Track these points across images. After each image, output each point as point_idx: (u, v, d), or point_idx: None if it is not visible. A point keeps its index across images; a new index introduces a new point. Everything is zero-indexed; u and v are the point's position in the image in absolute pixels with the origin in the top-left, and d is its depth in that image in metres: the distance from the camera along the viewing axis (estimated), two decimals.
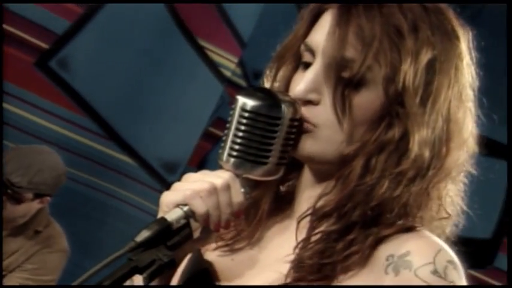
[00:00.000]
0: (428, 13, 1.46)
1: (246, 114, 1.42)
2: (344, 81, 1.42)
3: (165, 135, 5.63)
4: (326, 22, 1.46)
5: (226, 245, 1.55)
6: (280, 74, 1.53)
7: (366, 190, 1.41)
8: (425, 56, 1.42)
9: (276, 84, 1.53)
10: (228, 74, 5.77)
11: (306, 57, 1.47)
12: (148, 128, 5.60)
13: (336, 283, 1.39)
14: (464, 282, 1.40)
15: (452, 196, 1.48)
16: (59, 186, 3.99)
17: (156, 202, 1.45)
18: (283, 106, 1.43)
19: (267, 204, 1.54)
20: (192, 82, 5.71)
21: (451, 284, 1.37)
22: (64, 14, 5.30)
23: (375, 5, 1.43)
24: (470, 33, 1.51)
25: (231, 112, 1.44)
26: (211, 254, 1.56)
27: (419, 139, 1.41)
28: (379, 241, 1.40)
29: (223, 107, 5.57)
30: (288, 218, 1.53)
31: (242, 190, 1.44)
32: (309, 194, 1.50)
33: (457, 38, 1.48)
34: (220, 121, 5.39)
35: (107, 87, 5.47)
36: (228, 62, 5.78)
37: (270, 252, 1.52)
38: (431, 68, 1.43)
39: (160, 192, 1.46)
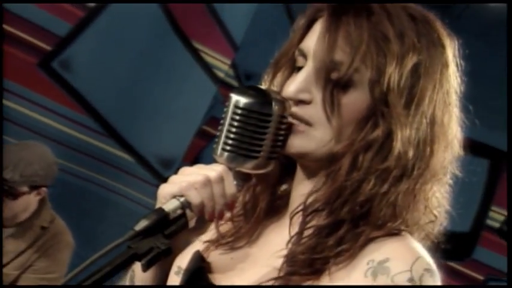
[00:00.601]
0: (415, 22, 1.47)
1: (239, 111, 1.43)
2: (333, 82, 1.43)
3: (162, 133, 5.63)
4: (318, 28, 1.47)
5: (227, 243, 1.55)
6: (277, 79, 1.53)
7: (353, 186, 1.42)
8: (411, 60, 1.43)
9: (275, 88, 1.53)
10: (221, 75, 5.77)
11: (300, 61, 1.48)
12: (146, 126, 5.60)
13: (327, 277, 1.40)
14: None
15: (438, 198, 1.48)
16: (53, 176, 3.95)
17: (153, 196, 1.46)
18: (273, 103, 1.44)
19: (264, 202, 1.55)
20: (187, 83, 5.71)
21: None
22: (66, 17, 5.29)
23: (364, 14, 1.44)
24: (456, 42, 1.51)
25: (225, 109, 1.45)
26: (213, 252, 1.56)
27: (403, 138, 1.41)
28: (368, 242, 1.41)
29: (216, 107, 5.57)
30: (283, 216, 1.54)
31: (235, 182, 1.45)
32: (301, 191, 1.50)
33: (443, 46, 1.49)
34: (214, 120, 5.39)
35: (106, 87, 5.46)
36: (221, 63, 5.78)
37: (265, 248, 1.53)
38: (416, 72, 1.44)
39: (157, 187, 1.47)
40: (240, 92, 1.45)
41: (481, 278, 5.65)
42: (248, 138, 1.43)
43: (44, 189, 3.90)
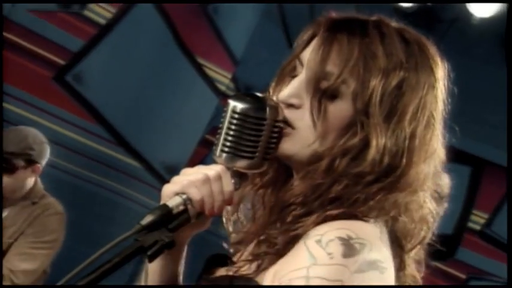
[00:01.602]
0: (407, 44, 1.48)
1: (236, 116, 1.45)
2: (322, 91, 1.45)
3: (167, 141, 5.63)
4: (316, 41, 1.50)
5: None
6: (280, 86, 1.54)
7: (326, 184, 1.43)
8: (396, 77, 1.44)
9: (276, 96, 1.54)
10: (222, 88, 5.77)
11: (298, 70, 1.51)
12: (153, 135, 5.60)
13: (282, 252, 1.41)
14: (349, 262, 1.33)
15: (411, 209, 1.46)
16: (46, 155, 3.94)
17: (158, 200, 1.47)
18: (267, 109, 1.46)
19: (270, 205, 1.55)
20: (190, 95, 5.71)
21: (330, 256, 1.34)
22: (79, 34, 5.30)
23: (358, 32, 1.47)
24: (447, 65, 1.52)
25: (223, 114, 1.47)
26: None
27: (378, 147, 1.42)
28: (324, 220, 1.40)
29: (218, 117, 5.55)
30: None
31: (232, 181, 1.47)
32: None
33: (432, 67, 1.49)
34: (216, 130, 5.37)
35: (116, 99, 5.46)
36: (222, 77, 5.79)
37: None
38: (401, 89, 1.45)
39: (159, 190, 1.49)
40: (237, 98, 1.47)
41: (463, 276, 5.65)
42: (244, 140, 1.45)
43: (39, 166, 3.89)
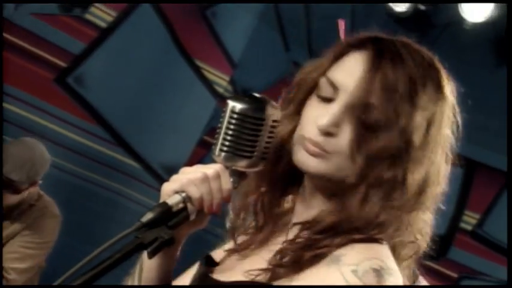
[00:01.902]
0: (431, 69, 1.47)
1: (235, 116, 1.45)
2: (363, 123, 1.42)
3: (166, 143, 5.63)
4: (353, 64, 1.45)
5: (240, 250, 1.56)
6: (296, 97, 1.51)
7: (357, 213, 1.42)
8: (431, 111, 1.44)
9: (292, 106, 1.51)
10: (220, 90, 5.77)
11: (326, 91, 1.45)
12: (152, 136, 5.60)
13: (307, 271, 1.40)
14: None
15: (415, 224, 1.47)
16: (47, 169, 3.96)
17: (157, 200, 1.47)
18: (266, 109, 1.47)
19: (270, 211, 1.56)
20: (189, 97, 5.71)
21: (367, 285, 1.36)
22: (81, 37, 5.30)
23: (398, 62, 1.43)
24: (454, 85, 1.52)
25: (222, 114, 1.47)
26: (227, 257, 1.57)
27: (415, 179, 1.42)
28: (347, 243, 1.41)
29: (216, 119, 5.56)
30: (287, 222, 1.54)
31: (231, 179, 1.48)
32: (308, 204, 1.49)
33: (447, 93, 1.49)
34: (214, 131, 5.38)
35: (116, 101, 5.45)
36: (220, 80, 5.79)
37: (264, 247, 1.53)
38: (434, 122, 1.45)
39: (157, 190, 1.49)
40: (236, 98, 1.47)
41: (455, 275, 5.65)
42: (243, 140, 1.46)
43: (39, 181, 3.91)
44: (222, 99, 5.70)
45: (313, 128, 1.43)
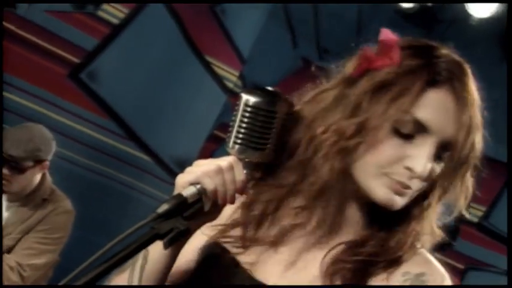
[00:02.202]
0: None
1: (249, 109, 1.45)
2: (447, 160, 1.45)
3: (177, 137, 5.64)
4: (437, 105, 1.44)
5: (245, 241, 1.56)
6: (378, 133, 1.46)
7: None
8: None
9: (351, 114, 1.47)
10: (230, 85, 5.78)
11: (408, 128, 1.43)
12: (163, 130, 5.60)
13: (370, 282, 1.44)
14: None
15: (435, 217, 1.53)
16: (52, 151, 3.93)
17: (168, 193, 1.47)
18: (279, 103, 1.46)
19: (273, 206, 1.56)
20: (199, 92, 5.72)
21: None
22: (93, 33, 5.32)
23: (470, 96, 1.44)
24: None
25: (236, 107, 1.47)
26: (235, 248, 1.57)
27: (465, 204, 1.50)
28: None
29: (226, 114, 5.57)
30: (301, 226, 1.53)
31: (244, 171, 1.48)
32: (339, 214, 1.51)
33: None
34: (224, 125, 5.39)
35: (128, 96, 5.47)
36: (230, 75, 5.79)
37: (294, 251, 1.52)
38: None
39: (172, 184, 1.49)
40: (250, 92, 1.47)
41: (461, 267, 5.65)
42: (256, 132, 1.46)
43: (47, 163, 3.89)
44: (232, 94, 5.70)
45: (401, 169, 1.43)
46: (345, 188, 1.47)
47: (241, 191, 1.48)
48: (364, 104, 1.44)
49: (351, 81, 1.48)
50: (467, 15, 5.24)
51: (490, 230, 5.62)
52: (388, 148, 1.44)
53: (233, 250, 1.54)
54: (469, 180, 1.50)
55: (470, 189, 1.51)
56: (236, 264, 1.52)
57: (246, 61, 5.81)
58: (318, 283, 1.46)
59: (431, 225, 1.49)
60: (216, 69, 5.73)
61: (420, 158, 1.42)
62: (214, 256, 1.55)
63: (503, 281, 5.29)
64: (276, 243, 1.53)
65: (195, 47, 5.66)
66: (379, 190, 1.43)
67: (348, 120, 1.45)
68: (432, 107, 1.43)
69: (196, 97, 5.68)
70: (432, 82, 1.44)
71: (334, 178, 1.45)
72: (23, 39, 5.03)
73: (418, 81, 1.43)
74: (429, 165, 1.43)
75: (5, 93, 4.86)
